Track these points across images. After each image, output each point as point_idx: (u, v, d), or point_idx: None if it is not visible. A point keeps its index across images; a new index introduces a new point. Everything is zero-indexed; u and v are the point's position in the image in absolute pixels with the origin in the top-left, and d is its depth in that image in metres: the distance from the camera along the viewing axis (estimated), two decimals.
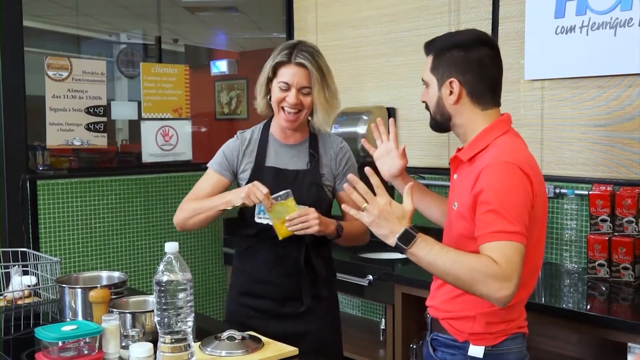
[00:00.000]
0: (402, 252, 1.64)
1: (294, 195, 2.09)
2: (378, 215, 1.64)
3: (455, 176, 1.86)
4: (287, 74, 2.16)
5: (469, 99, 1.77)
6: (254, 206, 2.13)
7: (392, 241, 1.63)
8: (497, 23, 3.19)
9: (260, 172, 2.24)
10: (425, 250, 1.61)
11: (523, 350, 1.81)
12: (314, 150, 2.28)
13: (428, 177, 3.49)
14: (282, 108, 2.19)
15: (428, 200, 2.09)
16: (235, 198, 2.12)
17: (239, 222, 2.34)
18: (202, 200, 2.23)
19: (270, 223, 2.10)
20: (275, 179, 2.21)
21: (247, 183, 2.20)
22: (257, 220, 2.15)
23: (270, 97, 2.24)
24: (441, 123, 1.83)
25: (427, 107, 1.87)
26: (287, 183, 2.19)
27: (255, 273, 2.27)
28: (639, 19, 2.65)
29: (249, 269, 2.29)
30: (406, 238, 1.61)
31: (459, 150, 1.86)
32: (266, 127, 2.33)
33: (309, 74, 2.15)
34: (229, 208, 2.18)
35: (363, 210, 1.66)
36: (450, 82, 1.76)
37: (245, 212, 2.26)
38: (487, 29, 3.21)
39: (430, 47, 1.83)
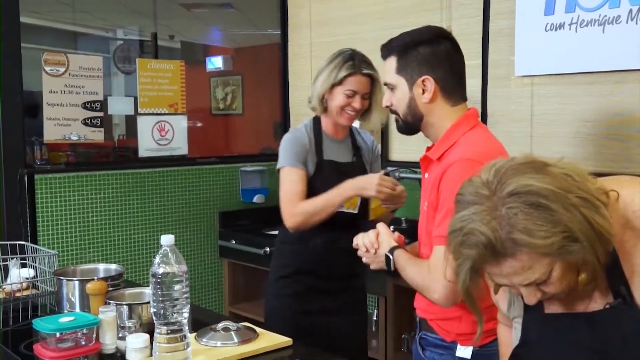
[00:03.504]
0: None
1: None
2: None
3: (426, 175, 1.82)
4: (354, 82, 2.39)
5: (441, 96, 1.72)
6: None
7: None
8: (488, 20, 3.23)
9: (322, 166, 2.45)
10: (400, 267, 1.74)
11: None
12: (356, 144, 2.58)
13: None
14: (343, 110, 2.41)
15: None
16: (358, 192, 2.31)
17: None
18: (316, 200, 2.35)
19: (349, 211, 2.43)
20: (335, 171, 2.45)
21: (313, 175, 2.43)
22: (345, 210, 2.42)
23: (325, 99, 2.42)
24: (412, 124, 1.78)
25: (392, 111, 1.81)
26: (343, 174, 2.41)
27: (315, 254, 2.46)
28: (627, 16, 2.70)
29: (308, 251, 2.47)
30: (387, 262, 1.77)
31: (428, 149, 1.82)
32: (316, 125, 2.51)
33: (370, 82, 2.42)
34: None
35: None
36: (423, 81, 1.70)
37: None
38: (478, 25, 3.25)
39: (389, 48, 1.76)
